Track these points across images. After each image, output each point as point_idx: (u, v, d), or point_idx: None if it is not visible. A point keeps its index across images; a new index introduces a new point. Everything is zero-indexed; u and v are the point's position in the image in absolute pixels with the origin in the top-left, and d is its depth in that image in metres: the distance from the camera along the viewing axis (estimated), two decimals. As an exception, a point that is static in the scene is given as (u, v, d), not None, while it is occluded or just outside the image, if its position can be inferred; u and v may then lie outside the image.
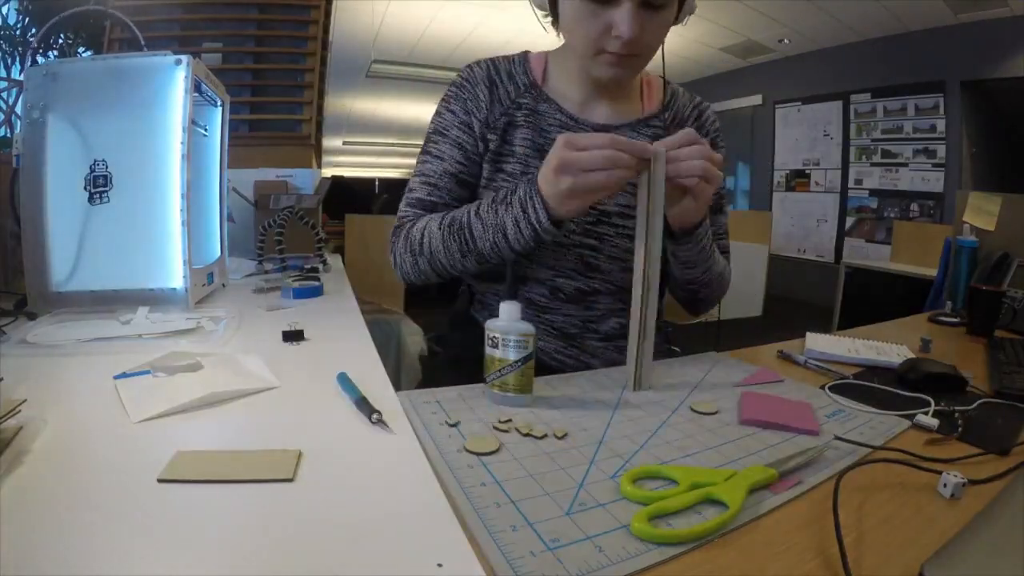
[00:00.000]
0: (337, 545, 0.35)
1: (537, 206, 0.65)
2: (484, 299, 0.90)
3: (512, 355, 0.58)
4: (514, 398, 0.59)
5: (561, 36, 0.80)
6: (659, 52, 0.76)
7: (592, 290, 0.83)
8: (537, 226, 0.66)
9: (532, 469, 0.46)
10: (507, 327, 0.59)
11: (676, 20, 0.77)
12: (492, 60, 0.85)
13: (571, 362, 0.85)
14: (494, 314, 0.63)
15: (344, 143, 10.86)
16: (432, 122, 0.86)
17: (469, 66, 0.85)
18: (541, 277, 0.82)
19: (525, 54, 0.86)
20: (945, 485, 0.44)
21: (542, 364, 0.82)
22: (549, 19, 0.79)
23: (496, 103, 0.83)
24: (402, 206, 0.86)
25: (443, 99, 0.85)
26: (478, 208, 0.72)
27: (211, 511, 0.38)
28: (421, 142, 0.88)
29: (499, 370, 0.59)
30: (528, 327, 0.59)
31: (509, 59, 0.86)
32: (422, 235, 0.77)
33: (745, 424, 0.58)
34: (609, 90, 0.83)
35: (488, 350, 0.60)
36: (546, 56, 0.87)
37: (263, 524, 0.37)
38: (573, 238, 0.81)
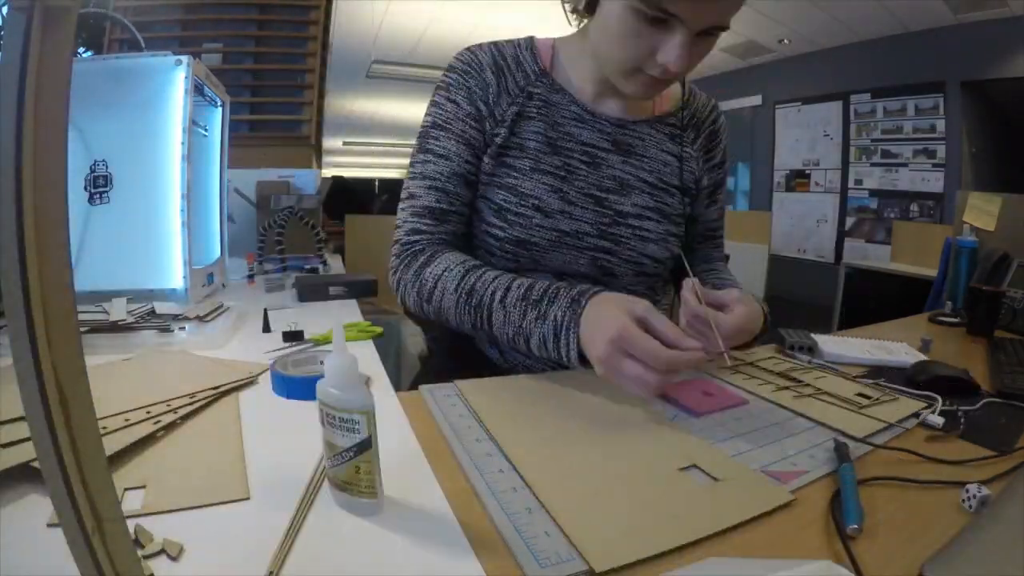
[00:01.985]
0: (334, 544, 0.35)
1: (572, 344, 0.58)
2: None
3: (340, 440, 0.38)
4: (350, 500, 0.39)
5: (577, 26, 0.75)
6: None
7: None
8: (565, 359, 0.59)
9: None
10: (333, 398, 0.37)
11: None
12: (495, 44, 0.78)
13: None
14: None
15: (344, 143, 10.86)
16: (430, 114, 0.77)
17: (470, 50, 0.77)
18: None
19: (531, 39, 0.80)
20: (973, 497, 0.42)
21: None
22: (571, 8, 0.73)
23: (504, 93, 0.75)
24: (406, 216, 0.75)
25: (442, 87, 0.77)
26: (504, 295, 0.63)
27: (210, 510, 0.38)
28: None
29: (331, 458, 0.39)
30: (361, 399, 0.37)
31: (514, 44, 0.78)
32: (434, 287, 0.69)
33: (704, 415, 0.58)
34: None
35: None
36: (553, 43, 0.81)
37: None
38: (587, 240, 0.74)
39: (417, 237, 0.74)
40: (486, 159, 0.76)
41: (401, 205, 0.77)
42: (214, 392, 0.58)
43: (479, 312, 0.65)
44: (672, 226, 0.78)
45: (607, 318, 0.54)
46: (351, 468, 0.38)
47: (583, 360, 0.58)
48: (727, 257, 0.95)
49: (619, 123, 0.78)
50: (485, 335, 0.68)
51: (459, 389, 0.62)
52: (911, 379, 0.72)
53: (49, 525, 0.35)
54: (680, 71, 0.64)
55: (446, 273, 0.68)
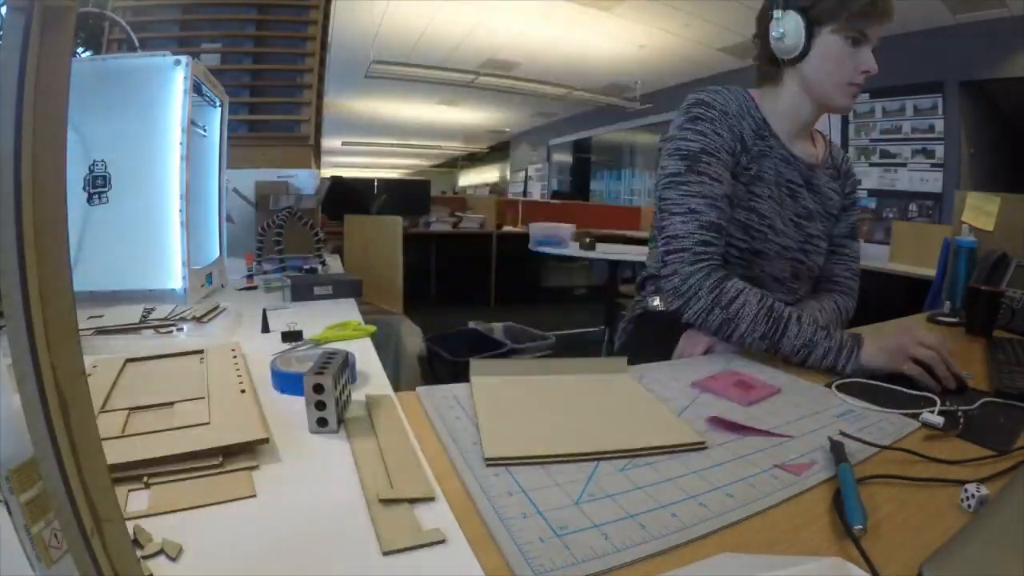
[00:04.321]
0: (333, 542, 0.35)
1: (853, 354, 0.75)
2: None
3: None
4: None
5: (788, 71, 0.92)
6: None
7: (793, 302, 0.96)
8: (842, 365, 0.75)
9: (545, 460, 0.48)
10: None
11: None
12: (726, 90, 0.92)
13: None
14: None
15: (343, 143, 10.85)
16: (696, 140, 0.87)
17: (712, 92, 0.91)
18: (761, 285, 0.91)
19: (747, 92, 0.96)
20: (972, 496, 0.42)
21: None
22: (784, 56, 0.89)
23: (747, 135, 0.91)
24: (693, 228, 0.85)
25: (702, 119, 0.88)
26: (800, 316, 0.79)
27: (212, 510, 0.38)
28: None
29: None
30: None
31: (733, 92, 0.93)
32: (736, 297, 0.81)
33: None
34: (807, 132, 0.98)
35: None
36: (756, 96, 0.97)
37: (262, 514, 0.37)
38: (791, 253, 0.95)
39: (707, 249, 0.84)
40: (740, 184, 0.91)
41: (683, 218, 0.86)
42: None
43: (777, 323, 0.79)
44: (827, 244, 1.02)
45: (891, 335, 0.76)
46: None
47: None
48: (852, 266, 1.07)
49: (809, 167, 0.98)
50: (767, 343, 0.80)
51: (454, 391, 0.62)
52: (899, 373, 0.73)
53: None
54: (876, 72, 0.85)
55: (747, 290, 0.82)
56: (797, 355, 0.78)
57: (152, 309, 0.89)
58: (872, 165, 5.18)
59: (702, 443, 0.51)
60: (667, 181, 0.87)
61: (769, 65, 0.93)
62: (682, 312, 0.84)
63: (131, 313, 0.85)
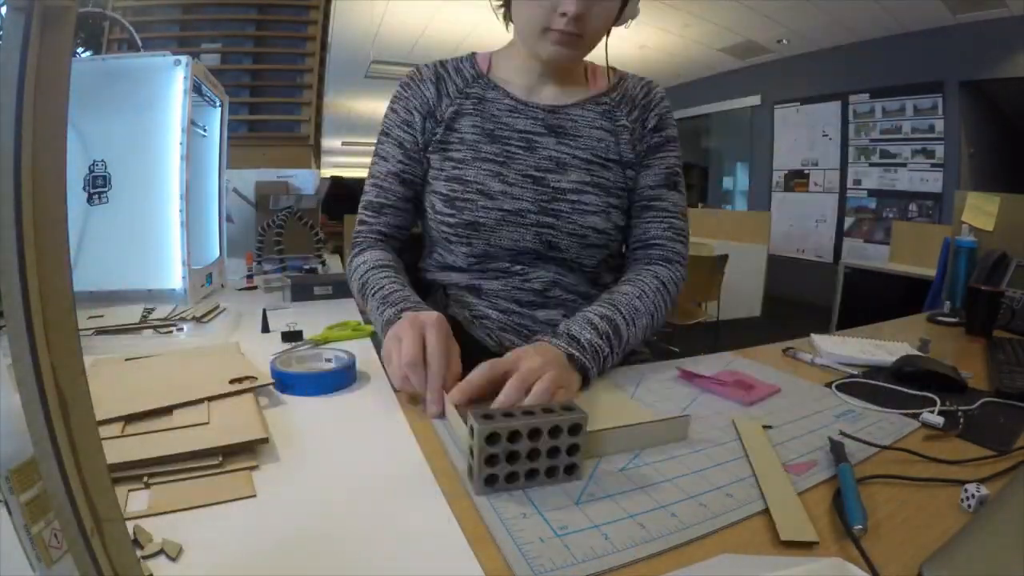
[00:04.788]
0: (334, 542, 0.35)
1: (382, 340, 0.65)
2: (461, 298, 0.85)
3: None
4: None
5: (510, 29, 0.84)
6: (602, 45, 0.80)
7: (553, 281, 0.82)
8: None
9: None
10: None
11: (617, 21, 0.79)
12: (440, 60, 0.88)
13: None
14: (475, 313, 0.78)
15: (343, 143, 10.85)
16: (382, 123, 0.88)
17: (417, 67, 0.87)
18: (500, 280, 0.82)
19: (472, 53, 0.90)
20: (972, 496, 0.42)
21: None
22: (502, 11, 0.82)
23: (444, 97, 0.84)
24: (359, 210, 0.88)
25: (391, 99, 0.88)
26: (377, 291, 0.73)
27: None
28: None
29: None
30: None
31: (456, 58, 0.89)
32: (352, 272, 0.82)
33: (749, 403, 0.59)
34: (556, 74, 0.84)
35: None
36: (491, 54, 0.90)
37: (263, 511, 0.37)
38: (530, 217, 0.79)
39: (361, 227, 0.87)
40: (432, 157, 0.84)
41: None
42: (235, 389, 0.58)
43: (365, 299, 0.76)
44: (613, 199, 0.83)
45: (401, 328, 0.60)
46: None
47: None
48: (683, 237, 0.86)
49: (551, 109, 0.83)
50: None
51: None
52: (897, 372, 0.73)
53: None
54: (578, 16, 0.70)
55: (362, 264, 0.80)
56: (380, 331, 0.70)
57: (152, 309, 0.89)
58: (872, 165, 5.19)
59: (686, 416, 0.54)
60: None
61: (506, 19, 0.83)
62: None
63: (131, 313, 0.85)
